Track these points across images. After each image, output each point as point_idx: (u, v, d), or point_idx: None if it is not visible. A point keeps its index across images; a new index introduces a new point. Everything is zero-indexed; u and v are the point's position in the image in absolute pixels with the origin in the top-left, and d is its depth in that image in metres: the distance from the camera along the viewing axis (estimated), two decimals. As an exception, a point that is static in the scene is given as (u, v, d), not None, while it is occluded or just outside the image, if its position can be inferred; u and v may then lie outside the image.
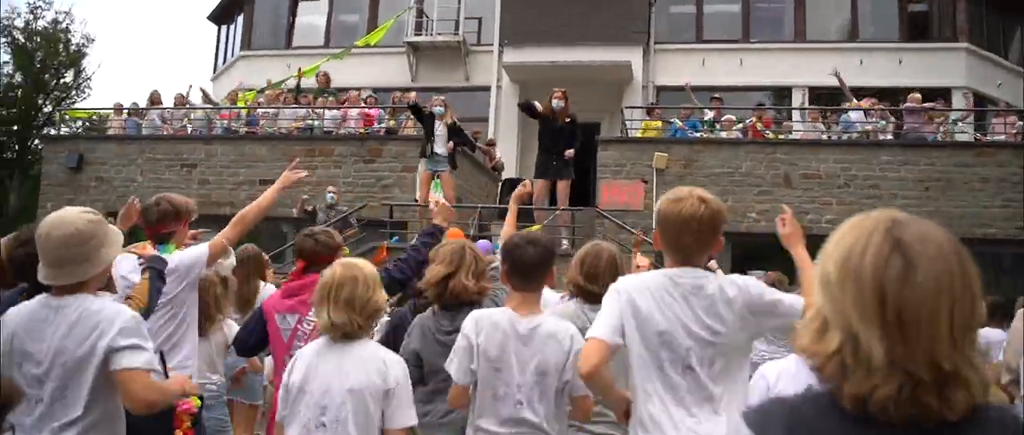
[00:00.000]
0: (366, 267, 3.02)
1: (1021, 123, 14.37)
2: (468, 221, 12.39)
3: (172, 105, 16.29)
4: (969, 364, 1.20)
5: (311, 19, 20.77)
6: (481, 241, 10.84)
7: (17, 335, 2.54)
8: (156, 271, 3.72)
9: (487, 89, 19.08)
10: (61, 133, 17.49)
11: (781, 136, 14.98)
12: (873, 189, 13.54)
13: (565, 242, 11.79)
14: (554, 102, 11.68)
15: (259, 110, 15.95)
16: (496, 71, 18.98)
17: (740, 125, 14.85)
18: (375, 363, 2.88)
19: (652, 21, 18.65)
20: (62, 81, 32.43)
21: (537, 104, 12.09)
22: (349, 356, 2.88)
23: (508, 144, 17.94)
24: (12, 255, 3.04)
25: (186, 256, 4.09)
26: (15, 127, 30.16)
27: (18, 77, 31.67)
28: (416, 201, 12.64)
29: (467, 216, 12.47)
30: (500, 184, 14.74)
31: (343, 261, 3.11)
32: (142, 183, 15.12)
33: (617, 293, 2.75)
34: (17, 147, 30.79)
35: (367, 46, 18.18)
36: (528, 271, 3.22)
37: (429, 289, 3.61)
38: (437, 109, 12.10)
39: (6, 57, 31.73)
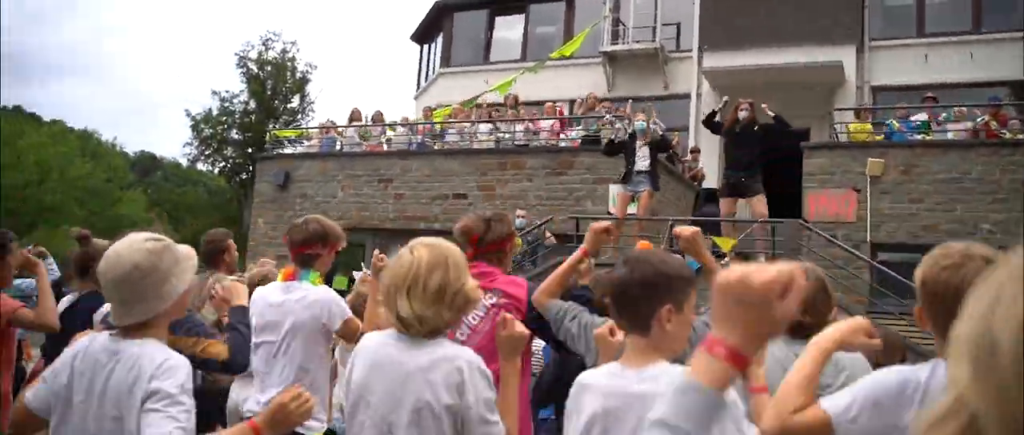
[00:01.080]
0: (453, 249, 2.56)
1: None
2: (659, 234, 11.84)
3: (370, 122, 16.83)
4: None
5: (508, 33, 20.94)
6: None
7: (76, 378, 2.36)
8: (235, 329, 3.50)
9: (687, 97, 18.37)
10: (272, 153, 18.49)
11: (1021, 136, 13.26)
12: None
13: (762, 257, 10.94)
14: (740, 113, 10.88)
15: (450, 125, 16.16)
16: (696, 78, 18.25)
17: (970, 125, 13.31)
18: (451, 371, 2.44)
19: (866, 16, 17.21)
20: (289, 106, 34.92)
21: (718, 115, 11.33)
22: (422, 358, 2.46)
23: (710, 154, 17.12)
24: (74, 259, 2.90)
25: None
26: (249, 150, 32.71)
27: (252, 104, 34.44)
28: (610, 214, 12.20)
29: (659, 228, 11.93)
30: (696, 195, 14.00)
31: (425, 241, 2.60)
32: (342, 198, 15.71)
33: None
34: (251, 168, 33.50)
35: (562, 58, 18.01)
36: (627, 301, 2.33)
37: None
38: (639, 125, 11.54)
39: (242, 86, 34.62)
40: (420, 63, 23.35)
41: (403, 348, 2.50)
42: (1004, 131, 13.13)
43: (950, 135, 13.10)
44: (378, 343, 2.57)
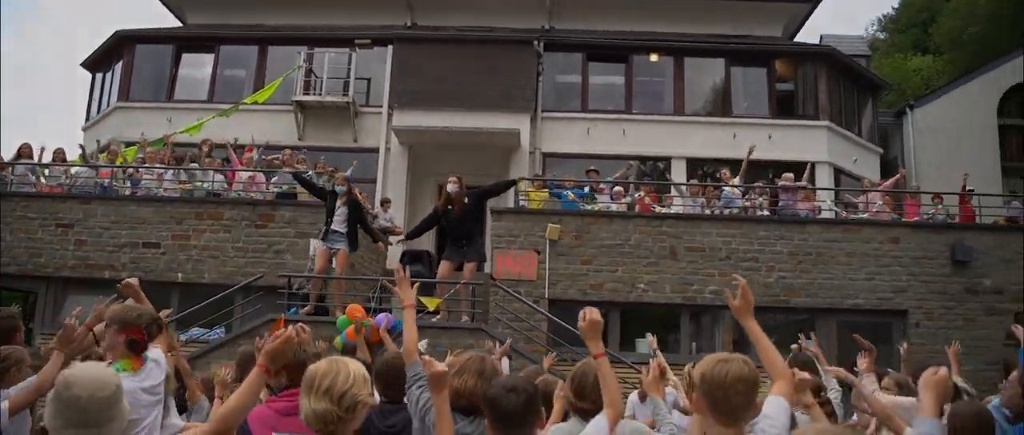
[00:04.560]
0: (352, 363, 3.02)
1: (879, 202, 15.55)
2: (369, 293, 12.36)
3: (48, 160, 15.49)
4: None
5: (195, 71, 20.26)
6: (380, 315, 10.86)
7: None
8: None
9: (375, 151, 19.07)
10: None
11: (664, 209, 15.65)
12: (752, 262, 14.33)
13: (465, 317, 11.88)
14: (450, 187, 11.63)
15: (142, 169, 15.41)
16: (385, 133, 19.03)
17: (628, 198, 15.47)
18: None
19: (540, 89, 19.17)
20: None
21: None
22: None
23: (397, 206, 17.92)
24: None
25: None
26: None
27: None
28: (311, 271, 12.45)
29: (368, 287, 12.44)
30: (400, 255, 14.62)
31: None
32: (11, 242, 14.32)
33: None
34: None
35: (255, 104, 17.91)
36: (514, 421, 3.20)
37: None
38: (339, 188, 11.95)
39: None
40: (91, 92, 21.69)
41: None
42: (655, 206, 15.45)
43: (614, 207, 15.09)
44: None
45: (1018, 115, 22.14)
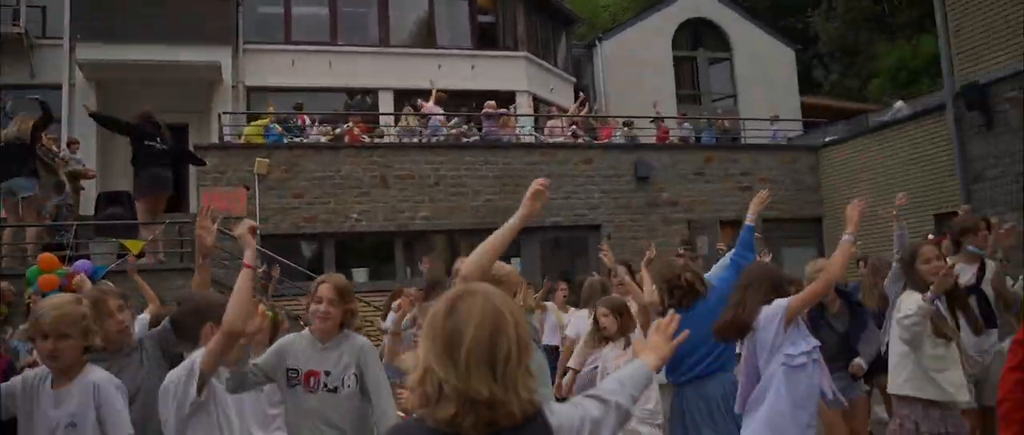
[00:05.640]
0: None
1: (573, 127, 16.77)
2: (63, 239, 11.44)
3: None
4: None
5: None
6: (78, 262, 10.19)
7: None
8: None
9: (58, 87, 17.40)
10: None
11: (376, 139, 15.82)
12: (460, 187, 14.93)
13: (161, 255, 11.41)
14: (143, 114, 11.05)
15: None
16: (68, 68, 17.39)
17: (337, 129, 15.47)
18: None
19: (240, 21, 18.41)
20: None
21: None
22: None
23: (87, 148, 16.54)
24: None
25: None
26: None
27: None
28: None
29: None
30: (97, 197, 13.53)
31: None
32: None
33: None
34: None
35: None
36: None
37: None
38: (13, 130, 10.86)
39: None
40: None
41: None
42: (363, 136, 15.56)
43: (323, 139, 15.01)
44: None
45: (688, 47, 24.56)
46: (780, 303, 4.07)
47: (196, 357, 3.28)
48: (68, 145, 15.67)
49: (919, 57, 28.08)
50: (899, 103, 17.54)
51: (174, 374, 3.30)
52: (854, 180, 16.22)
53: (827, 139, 17.76)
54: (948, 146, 13.32)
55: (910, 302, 4.38)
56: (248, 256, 3.30)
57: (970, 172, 12.77)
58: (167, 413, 3.24)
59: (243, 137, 15.19)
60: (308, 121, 15.71)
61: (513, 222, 3.15)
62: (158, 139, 10.79)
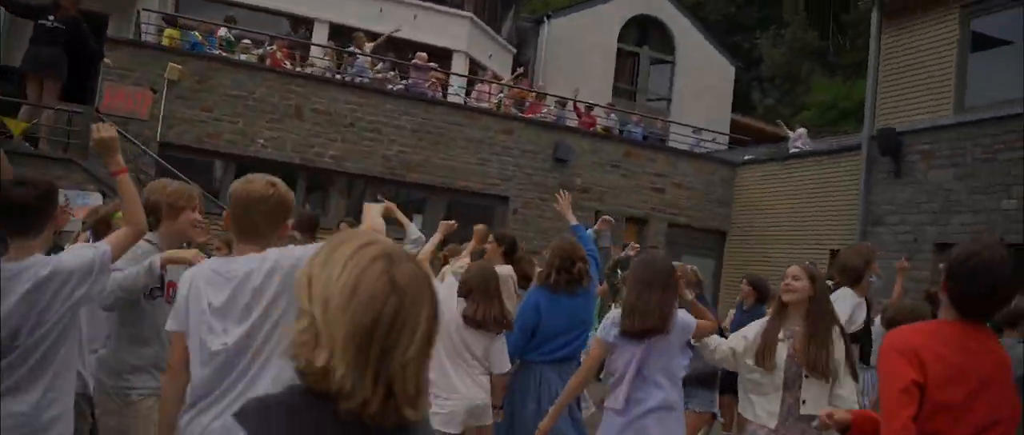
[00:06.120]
0: None
1: (501, 95, 16.62)
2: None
3: None
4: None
5: None
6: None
7: None
8: None
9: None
10: None
11: (299, 68, 15.41)
12: (375, 133, 14.65)
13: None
14: None
15: None
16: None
17: (260, 50, 15.00)
18: None
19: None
20: None
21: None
22: None
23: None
24: None
25: None
26: None
27: None
28: None
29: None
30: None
31: None
32: None
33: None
34: None
35: None
36: (19, 215, 2.99)
37: None
38: None
39: None
40: None
41: None
42: (286, 62, 15.13)
43: (243, 57, 14.53)
44: None
45: (634, 42, 24.58)
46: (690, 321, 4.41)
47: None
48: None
49: (851, 99, 28.73)
50: (800, 129, 17.83)
51: (88, 258, 3.05)
52: (764, 202, 16.51)
53: (746, 158, 18.02)
54: (855, 186, 13.61)
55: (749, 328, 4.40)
56: (118, 162, 3.25)
57: (871, 215, 13.07)
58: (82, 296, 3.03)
59: (163, 37, 14.59)
60: (228, 35, 15.12)
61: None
62: (51, 17, 10.11)
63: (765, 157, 17.84)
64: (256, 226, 2.87)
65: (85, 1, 11.68)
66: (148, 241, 3.61)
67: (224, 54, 14.50)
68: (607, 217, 7.17)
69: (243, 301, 2.72)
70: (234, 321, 2.71)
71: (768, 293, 7.08)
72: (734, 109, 25.80)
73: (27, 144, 10.82)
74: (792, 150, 16.83)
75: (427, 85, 15.57)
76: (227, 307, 2.73)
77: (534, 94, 17.88)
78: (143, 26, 15.08)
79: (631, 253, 8.35)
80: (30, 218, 2.99)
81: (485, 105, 16.59)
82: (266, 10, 18.24)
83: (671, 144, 19.27)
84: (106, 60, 11.81)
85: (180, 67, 13.52)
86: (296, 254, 2.73)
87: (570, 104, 17.77)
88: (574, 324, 5.38)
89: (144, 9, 15.59)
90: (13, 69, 11.80)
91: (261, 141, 13.99)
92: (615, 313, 4.45)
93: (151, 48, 13.94)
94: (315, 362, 1.34)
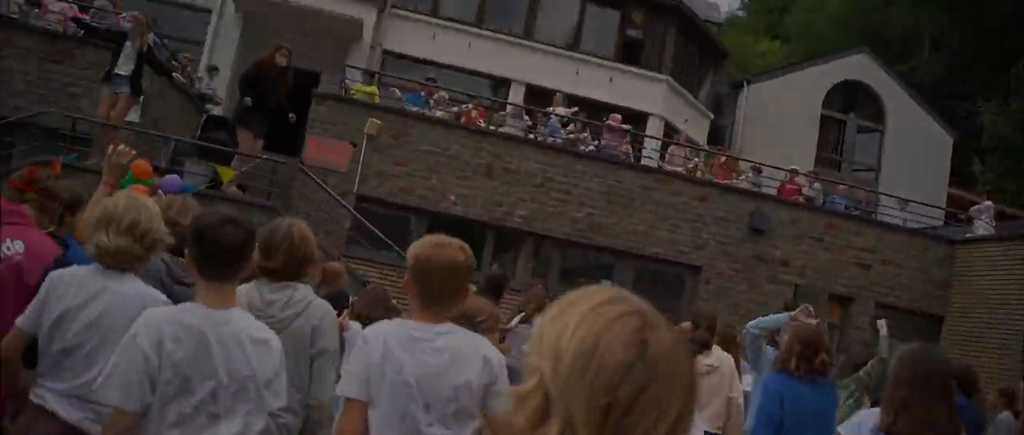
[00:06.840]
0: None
1: (697, 160, 16.01)
2: (159, 151, 11.58)
3: None
4: None
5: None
6: (169, 176, 10.19)
7: None
8: None
9: (208, 12, 17.86)
10: None
11: (492, 127, 15.50)
12: (565, 194, 14.42)
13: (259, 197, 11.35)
14: (279, 59, 11.05)
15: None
16: (222, -5, 17.84)
17: (456, 109, 15.22)
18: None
19: (393, -17, 18.48)
20: None
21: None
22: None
23: (222, 76, 16.88)
24: None
25: None
26: None
27: None
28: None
29: (159, 146, 11.65)
30: (203, 118, 13.78)
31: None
32: None
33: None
34: None
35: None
36: (226, 257, 2.71)
37: None
38: (128, 27, 10.95)
39: None
40: None
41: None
42: (481, 121, 15.25)
43: (439, 114, 14.78)
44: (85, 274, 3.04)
45: (839, 109, 23.29)
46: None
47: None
48: (208, 70, 16.11)
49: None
50: (987, 203, 16.73)
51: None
52: (985, 282, 14.87)
53: (969, 235, 16.36)
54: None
55: None
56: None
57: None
58: None
59: (361, 93, 15.10)
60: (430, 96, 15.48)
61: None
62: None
63: (992, 234, 16.11)
64: (444, 294, 2.77)
65: (299, 59, 12.28)
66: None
67: (423, 111, 14.78)
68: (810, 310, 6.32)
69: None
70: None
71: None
72: (951, 183, 23.78)
73: (236, 189, 11.33)
74: (977, 227, 15.18)
75: (620, 148, 15.22)
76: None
77: (728, 158, 17.11)
78: (348, 83, 15.67)
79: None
80: (234, 262, 2.74)
81: (678, 169, 16.00)
82: (463, 70, 18.61)
83: (880, 218, 17.85)
84: (291, 115, 12.22)
85: (379, 122, 13.88)
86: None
87: (766, 171, 16.85)
88: (817, 414, 4.80)
89: (348, 66, 16.24)
90: (230, 121, 12.49)
91: (453, 197, 14.05)
92: (868, 413, 3.73)
93: (354, 104, 14.42)
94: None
